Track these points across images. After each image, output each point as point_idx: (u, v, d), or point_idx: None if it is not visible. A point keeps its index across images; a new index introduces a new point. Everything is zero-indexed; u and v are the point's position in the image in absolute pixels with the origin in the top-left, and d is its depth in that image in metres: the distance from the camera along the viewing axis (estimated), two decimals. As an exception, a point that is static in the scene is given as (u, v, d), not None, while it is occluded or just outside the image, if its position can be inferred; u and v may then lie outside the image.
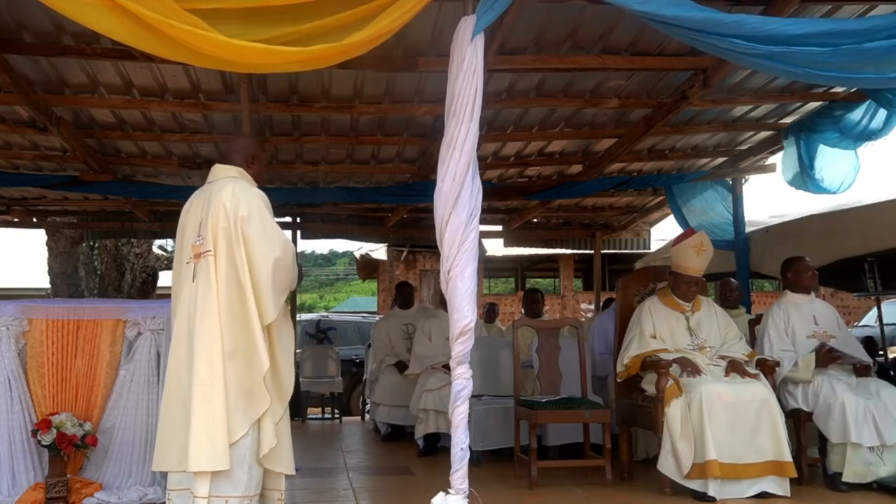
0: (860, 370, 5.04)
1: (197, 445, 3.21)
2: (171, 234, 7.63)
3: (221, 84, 5.55)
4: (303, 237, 9.84)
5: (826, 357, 5.00)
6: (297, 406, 8.69)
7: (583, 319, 10.07)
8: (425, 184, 7.22)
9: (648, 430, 5.11)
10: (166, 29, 3.13)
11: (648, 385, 4.92)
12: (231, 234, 3.35)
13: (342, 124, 6.54)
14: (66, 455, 4.22)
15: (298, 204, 8.77)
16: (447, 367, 4.05)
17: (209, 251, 3.37)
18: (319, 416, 9.71)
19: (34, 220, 9.82)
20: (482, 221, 3.90)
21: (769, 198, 10.07)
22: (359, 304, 30.11)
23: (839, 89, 5.83)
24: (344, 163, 7.67)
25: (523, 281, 21.74)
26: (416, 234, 10.87)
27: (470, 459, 3.40)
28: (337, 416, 9.42)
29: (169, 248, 14.43)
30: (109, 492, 4.32)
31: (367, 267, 19.16)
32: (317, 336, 10.44)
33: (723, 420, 4.50)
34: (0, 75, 4.95)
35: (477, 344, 3.64)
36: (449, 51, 3.50)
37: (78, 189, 7.75)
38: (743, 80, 5.76)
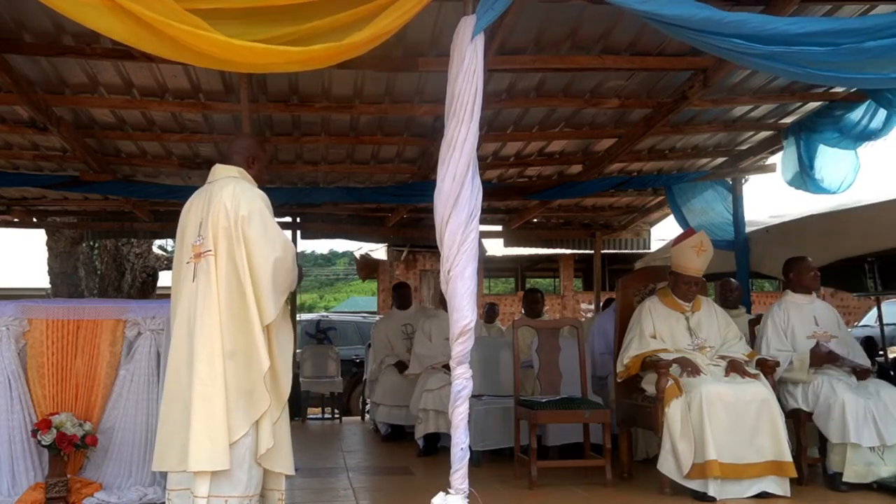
0: (860, 374, 5.04)
1: (197, 445, 3.20)
2: (171, 234, 7.63)
3: (221, 84, 5.55)
4: (303, 237, 9.85)
5: (820, 356, 5.00)
6: (297, 406, 8.68)
7: (583, 319, 10.07)
8: (425, 184, 7.23)
9: (648, 430, 5.11)
10: (166, 29, 3.13)
11: (648, 385, 4.92)
12: (231, 234, 3.35)
13: (342, 124, 6.54)
14: (66, 455, 4.22)
15: (298, 204, 8.78)
16: (447, 367, 4.05)
17: (209, 251, 3.37)
18: (319, 416, 9.71)
19: (34, 220, 9.82)
20: (482, 221, 3.90)
21: (769, 198, 10.09)
22: (359, 304, 30.11)
23: (839, 89, 5.83)
24: (344, 163, 7.67)
25: (523, 281, 21.75)
26: (416, 234, 10.88)
27: (470, 459, 3.40)
28: (337, 416, 9.42)
29: (169, 248, 14.43)
30: (109, 492, 4.32)
31: (367, 267, 19.16)
32: (317, 336, 10.44)
33: (723, 420, 4.50)
34: (0, 75, 4.96)
35: (477, 344, 3.64)
36: (449, 51, 3.50)
37: (78, 189, 7.76)
38: (743, 80, 5.76)
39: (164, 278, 12.29)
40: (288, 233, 8.97)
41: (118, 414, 4.46)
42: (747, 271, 7.63)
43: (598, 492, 4.82)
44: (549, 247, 12.71)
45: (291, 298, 6.29)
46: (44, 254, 11.97)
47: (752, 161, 7.61)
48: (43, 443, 4.17)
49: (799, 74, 3.84)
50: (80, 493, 4.26)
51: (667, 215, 9.83)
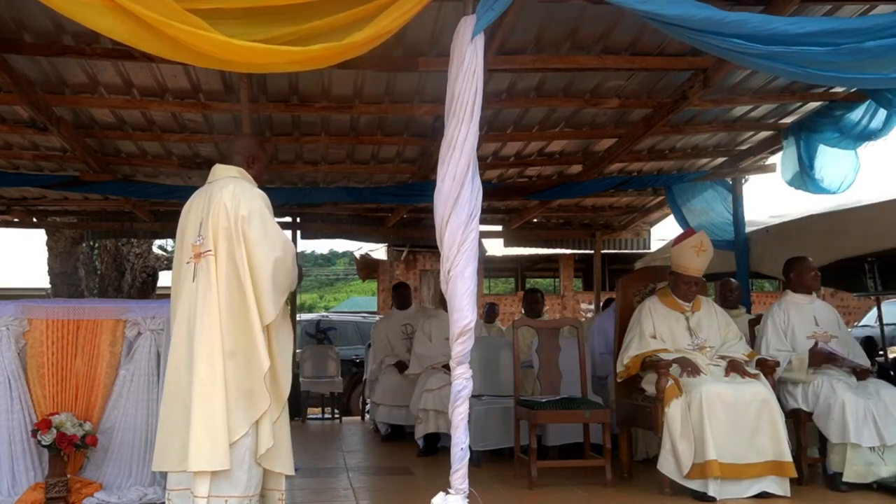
0: (860, 374, 5.04)
1: (197, 445, 3.20)
2: (171, 234, 7.63)
3: (221, 84, 5.55)
4: (303, 237, 9.85)
5: (819, 356, 5.00)
6: (297, 406, 8.68)
7: (583, 319, 10.07)
8: (425, 184, 7.23)
9: (648, 430, 5.11)
10: (166, 29, 3.13)
11: (648, 385, 4.92)
12: (232, 234, 3.35)
13: (342, 124, 6.54)
14: (66, 455, 4.22)
15: (298, 204, 8.78)
16: (447, 367, 4.05)
17: (209, 251, 3.37)
18: (319, 416, 9.71)
19: (34, 220, 9.83)
20: (482, 221, 3.90)
21: (769, 198, 10.09)
22: (359, 304, 30.11)
23: (839, 89, 5.83)
24: (344, 163, 7.67)
25: (523, 281, 21.75)
26: (416, 234, 10.88)
27: (470, 459, 3.40)
28: (337, 416, 9.42)
29: (169, 248, 14.44)
30: (109, 492, 4.31)
31: (367, 267, 19.16)
32: (317, 336, 10.43)
33: (723, 420, 4.50)
34: (0, 75, 4.96)
35: (477, 344, 3.64)
36: (449, 51, 3.50)
37: (78, 189, 7.76)
38: (743, 80, 5.76)
39: (164, 278, 12.29)
40: (288, 233, 8.97)
41: (118, 414, 4.46)
42: (747, 271, 7.62)
43: (598, 492, 4.82)
44: (549, 247, 12.71)
45: (291, 298, 6.30)
46: (44, 254, 11.98)
47: (752, 161, 7.61)
48: (43, 443, 4.17)
49: (799, 74, 3.84)
50: (80, 493, 4.26)
51: (667, 215, 9.83)
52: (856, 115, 5.98)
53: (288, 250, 3.45)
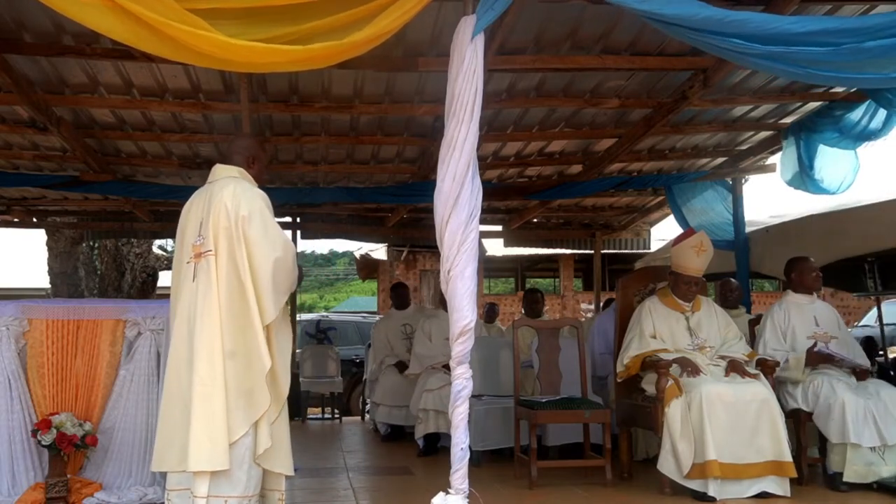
0: (860, 374, 5.04)
1: (197, 445, 3.20)
2: (171, 234, 7.63)
3: (221, 84, 5.55)
4: (303, 237, 9.85)
5: (816, 356, 5.00)
6: (297, 406, 8.69)
7: (583, 319, 10.07)
8: (425, 184, 7.23)
9: (648, 430, 5.11)
10: (166, 29, 3.13)
11: (648, 385, 4.91)
12: (232, 234, 3.35)
13: (342, 124, 6.54)
14: (66, 455, 4.22)
15: (298, 204, 8.78)
16: (447, 367, 4.05)
17: (210, 251, 3.37)
18: (319, 416, 9.71)
19: (34, 220, 9.83)
20: (482, 221, 3.90)
21: (769, 198, 10.09)
22: (359, 304, 30.11)
23: (839, 89, 5.83)
24: (344, 163, 7.68)
25: (523, 281, 21.74)
26: (416, 234, 10.88)
27: (470, 459, 3.40)
28: (337, 416, 9.42)
29: (169, 248, 14.43)
30: (109, 492, 4.32)
31: (367, 267, 19.16)
32: (317, 336, 10.43)
33: (723, 420, 4.50)
34: (0, 75, 4.96)
35: (477, 344, 3.64)
36: (449, 51, 3.50)
37: (78, 189, 7.76)
38: (743, 80, 5.76)
39: (164, 278, 12.29)
40: (288, 233, 8.97)
41: (118, 414, 4.46)
42: (747, 271, 7.63)
43: (598, 492, 4.82)
44: (549, 247, 12.71)
45: (291, 299, 6.28)
46: (44, 254, 11.98)
47: (752, 161, 7.62)
48: (43, 443, 4.17)
49: (799, 74, 3.84)
50: (80, 493, 4.26)
51: (667, 215, 9.83)
52: (856, 115, 5.98)
53: (288, 250, 3.44)
